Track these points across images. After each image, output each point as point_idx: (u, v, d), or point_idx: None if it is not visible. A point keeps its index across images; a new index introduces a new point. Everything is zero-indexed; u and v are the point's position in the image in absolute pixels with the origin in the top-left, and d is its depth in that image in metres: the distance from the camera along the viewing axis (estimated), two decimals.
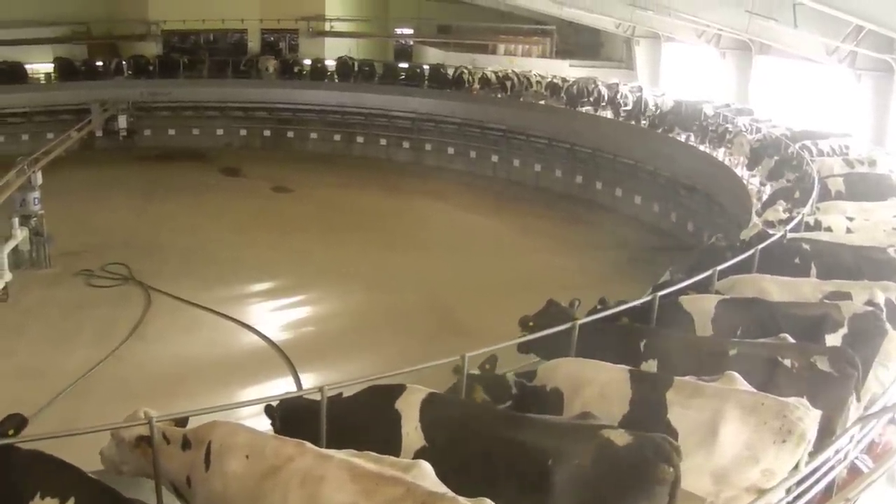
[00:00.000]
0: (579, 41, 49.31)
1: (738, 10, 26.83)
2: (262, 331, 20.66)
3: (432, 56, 47.75)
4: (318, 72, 43.58)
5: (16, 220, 22.86)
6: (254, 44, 49.10)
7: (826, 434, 8.14)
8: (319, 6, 49.18)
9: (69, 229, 25.16)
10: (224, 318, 21.35)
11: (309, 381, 17.50)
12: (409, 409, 7.50)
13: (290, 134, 41.73)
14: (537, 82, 39.69)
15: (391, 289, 23.20)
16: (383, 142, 40.74)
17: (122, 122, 38.82)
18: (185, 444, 7.11)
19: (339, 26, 50.05)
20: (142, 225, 28.24)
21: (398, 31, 53.72)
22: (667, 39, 40.00)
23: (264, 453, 6.60)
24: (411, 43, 53.13)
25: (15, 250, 22.55)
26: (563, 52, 47.57)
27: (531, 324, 10.60)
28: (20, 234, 22.78)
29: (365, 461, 6.33)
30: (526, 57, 46.88)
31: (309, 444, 6.67)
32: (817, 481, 7.76)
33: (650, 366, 9.37)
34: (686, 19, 32.37)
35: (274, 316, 21.99)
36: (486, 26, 49.90)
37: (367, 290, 23.14)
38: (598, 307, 11.02)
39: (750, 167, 24.59)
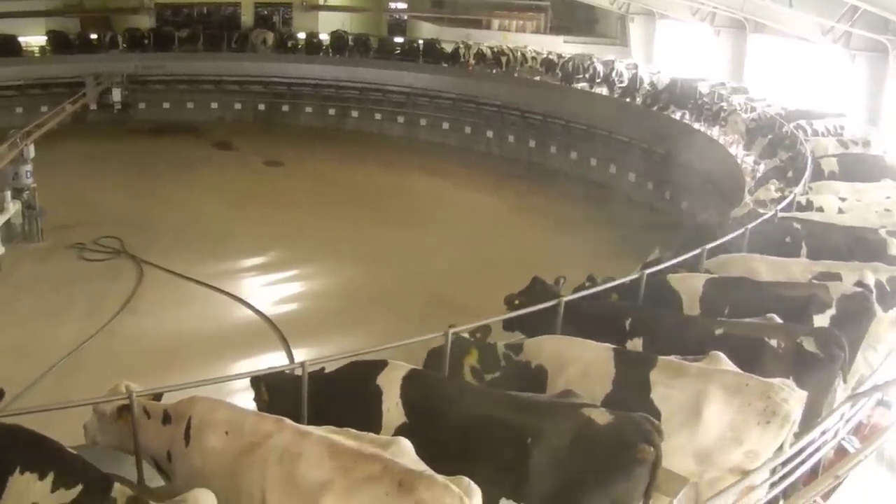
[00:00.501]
0: (574, 17, 49.06)
1: None
2: (255, 305, 20.57)
3: (426, 31, 47.53)
4: (313, 46, 43.29)
5: (8, 194, 22.62)
6: (247, 17, 48.73)
7: (811, 415, 8.14)
8: None
9: (62, 203, 24.91)
10: (217, 292, 21.23)
11: (301, 355, 17.30)
12: (390, 386, 7.49)
13: (285, 108, 41.36)
14: (532, 58, 39.59)
15: (384, 264, 23.09)
16: (378, 116, 40.53)
17: (117, 95, 38.34)
18: (166, 418, 7.12)
19: (333, 0, 49.71)
20: (135, 199, 27.97)
21: (392, 5, 53.38)
22: (661, 17, 39.90)
23: (243, 430, 6.60)
24: (405, 17, 52.83)
25: (7, 224, 22.43)
26: (557, 28, 47.39)
27: (516, 301, 10.56)
28: (12, 208, 22.60)
29: (344, 438, 6.33)
30: (520, 32, 46.70)
31: (288, 421, 6.66)
32: (803, 462, 7.77)
33: (635, 344, 9.34)
34: None
35: (266, 290, 21.85)
36: (480, 1, 49.62)
37: (360, 265, 22.99)
38: (587, 284, 10.98)
39: (746, 146, 24.57)
